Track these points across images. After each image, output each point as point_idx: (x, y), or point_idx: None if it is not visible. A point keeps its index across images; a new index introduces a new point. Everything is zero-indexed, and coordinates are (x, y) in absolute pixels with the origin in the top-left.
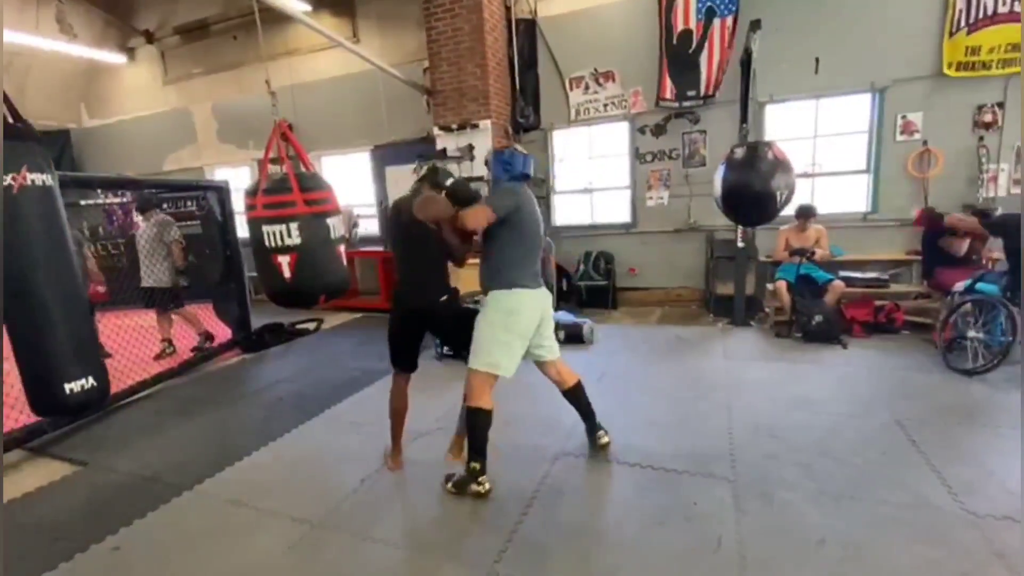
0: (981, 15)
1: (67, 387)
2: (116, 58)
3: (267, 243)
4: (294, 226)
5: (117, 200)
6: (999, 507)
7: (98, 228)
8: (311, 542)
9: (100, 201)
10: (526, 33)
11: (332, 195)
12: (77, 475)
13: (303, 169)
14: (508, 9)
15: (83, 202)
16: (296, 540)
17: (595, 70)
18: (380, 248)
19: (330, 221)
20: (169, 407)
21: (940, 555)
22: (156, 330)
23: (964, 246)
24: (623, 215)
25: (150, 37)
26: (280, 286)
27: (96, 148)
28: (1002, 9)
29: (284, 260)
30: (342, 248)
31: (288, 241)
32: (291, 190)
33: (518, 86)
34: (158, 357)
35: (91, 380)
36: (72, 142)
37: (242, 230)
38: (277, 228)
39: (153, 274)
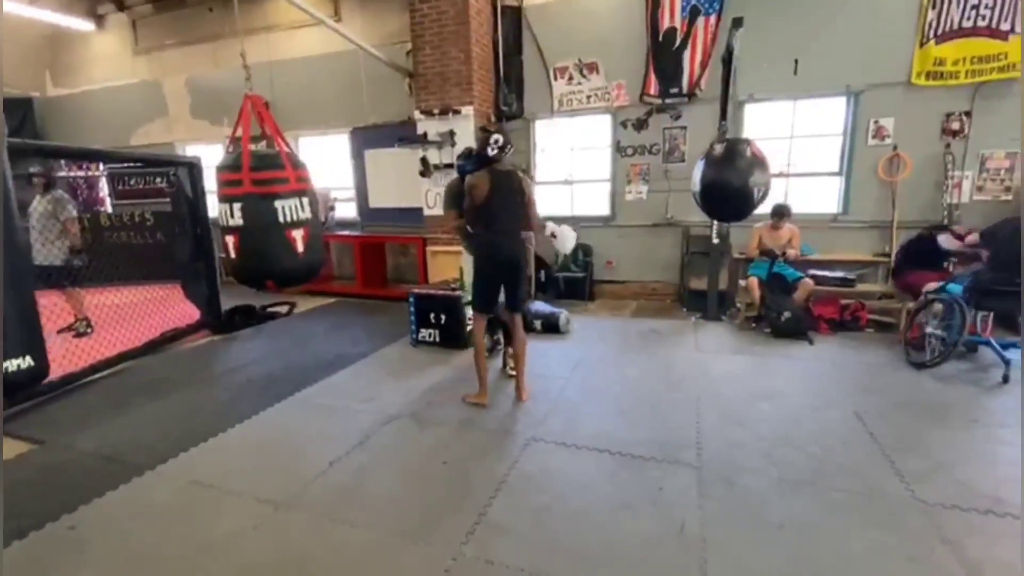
0: (948, 28)
1: (5, 365)
2: (84, 25)
3: (220, 221)
4: (237, 206)
5: (82, 173)
6: (948, 496)
7: None
8: (276, 523)
9: (63, 174)
10: (512, 20)
11: (289, 174)
12: (33, 453)
13: (260, 146)
14: None
15: None
16: (260, 521)
17: (579, 60)
18: (358, 232)
19: (280, 203)
20: (133, 386)
21: (890, 540)
22: (71, 310)
23: (959, 245)
24: (602, 208)
25: (121, 4)
26: (230, 265)
27: (61, 118)
28: (967, 24)
29: (230, 240)
30: (298, 232)
31: (232, 222)
32: (240, 168)
33: (502, 73)
34: (78, 336)
35: (28, 359)
36: (35, 111)
37: (213, 209)
38: (225, 207)
39: (47, 252)
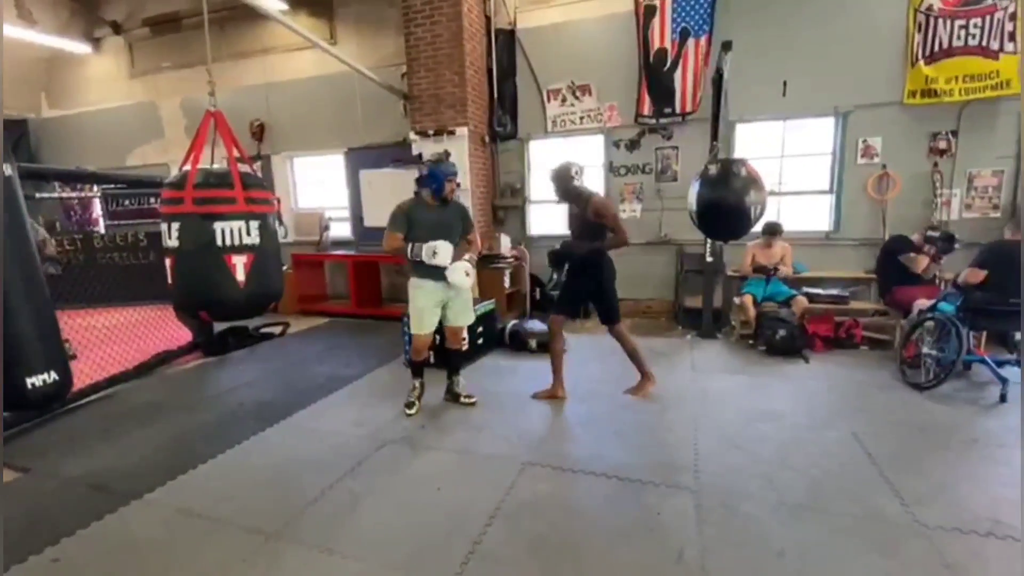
0: (937, 48)
1: (29, 381)
2: (81, 48)
3: (165, 243)
4: (176, 226)
5: (76, 194)
6: (949, 519)
7: (55, 223)
8: (266, 554)
9: (57, 195)
10: (505, 43)
11: (237, 195)
12: (18, 482)
13: (214, 165)
14: (488, 19)
15: (38, 195)
16: (250, 552)
17: (572, 83)
18: (352, 252)
19: (220, 225)
20: (122, 411)
21: (892, 566)
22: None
23: (924, 263)
24: None
25: (117, 28)
26: (172, 291)
27: (56, 139)
28: (957, 43)
29: (168, 263)
30: (239, 259)
31: (168, 243)
32: (183, 186)
33: (496, 95)
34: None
35: (53, 374)
36: (30, 132)
37: None
38: (165, 227)
39: None
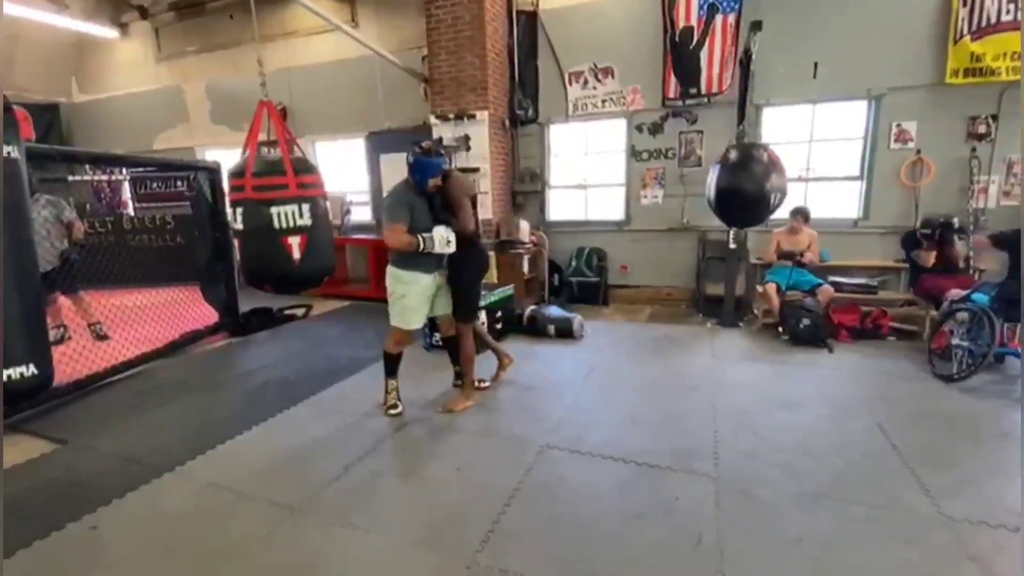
0: (984, 23)
1: (5, 373)
2: (108, 32)
3: (232, 226)
4: (239, 211)
5: (106, 177)
6: (974, 511)
7: (85, 205)
8: (291, 528)
9: (88, 177)
10: (527, 25)
11: (290, 181)
12: (56, 453)
13: (269, 152)
14: (510, 0)
15: (71, 178)
16: (276, 525)
17: (594, 65)
18: (372, 236)
19: (276, 209)
20: (151, 388)
21: (914, 556)
22: (83, 318)
23: (931, 258)
24: (617, 212)
25: (144, 12)
26: (241, 267)
27: (86, 123)
28: (1006, 18)
29: (236, 243)
30: (294, 239)
31: (236, 226)
32: (243, 174)
33: (517, 78)
34: (100, 339)
35: (32, 368)
36: (61, 116)
37: None
38: (231, 211)
39: (49, 257)
